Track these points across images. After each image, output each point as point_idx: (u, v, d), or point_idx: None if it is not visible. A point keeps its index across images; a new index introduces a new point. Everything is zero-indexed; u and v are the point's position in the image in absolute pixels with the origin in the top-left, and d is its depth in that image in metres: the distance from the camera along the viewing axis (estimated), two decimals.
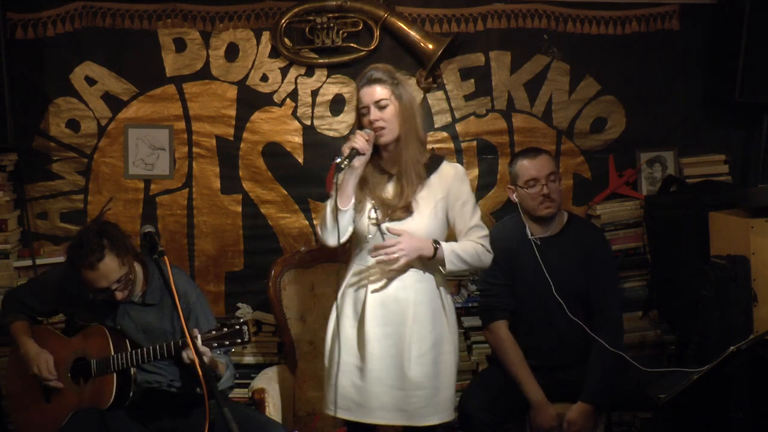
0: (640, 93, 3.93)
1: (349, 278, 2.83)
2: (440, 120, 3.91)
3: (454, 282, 3.95)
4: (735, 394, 2.79)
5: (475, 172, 3.93)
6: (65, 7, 3.80)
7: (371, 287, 2.77)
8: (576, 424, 3.05)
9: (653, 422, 3.32)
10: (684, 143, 3.94)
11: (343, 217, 2.69)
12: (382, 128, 2.72)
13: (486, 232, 2.85)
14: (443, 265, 2.76)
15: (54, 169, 3.87)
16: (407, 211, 2.75)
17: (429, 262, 2.77)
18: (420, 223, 2.75)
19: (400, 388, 2.74)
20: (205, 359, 2.67)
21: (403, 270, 2.76)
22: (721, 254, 3.21)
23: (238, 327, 2.71)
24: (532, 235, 3.22)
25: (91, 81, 3.84)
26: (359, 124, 2.79)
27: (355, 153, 2.66)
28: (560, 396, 3.12)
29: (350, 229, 2.77)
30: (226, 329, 2.72)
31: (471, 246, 2.79)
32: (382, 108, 2.72)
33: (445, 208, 2.81)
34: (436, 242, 2.74)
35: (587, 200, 3.95)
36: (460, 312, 3.80)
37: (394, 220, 2.75)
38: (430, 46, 3.78)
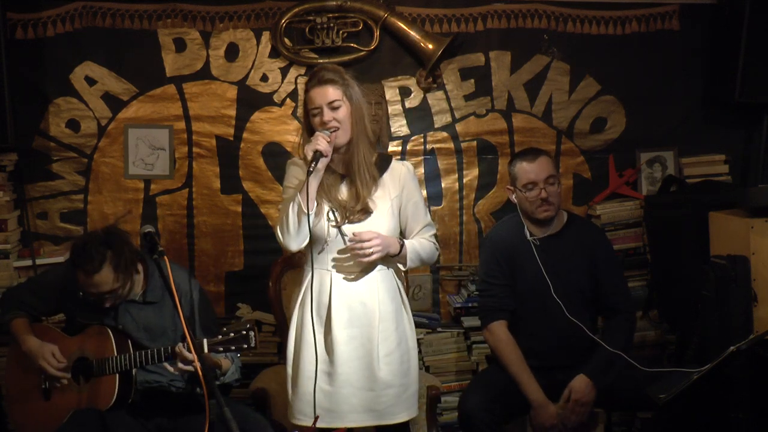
0: (640, 93, 3.93)
1: (308, 283, 2.77)
2: (440, 120, 3.91)
3: (454, 282, 3.95)
4: (735, 394, 2.78)
5: (475, 172, 3.93)
6: (65, 7, 3.80)
7: (335, 290, 2.75)
8: (578, 392, 3.04)
9: (653, 422, 3.32)
10: (684, 143, 3.94)
11: (307, 220, 2.64)
12: (336, 129, 2.68)
13: (435, 230, 2.90)
14: (404, 263, 2.78)
15: (54, 169, 3.87)
16: (365, 212, 2.74)
17: (389, 260, 2.78)
18: (380, 223, 2.75)
19: (370, 389, 2.73)
20: (197, 365, 2.69)
21: (365, 270, 2.76)
22: (721, 254, 3.21)
23: (245, 332, 2.70)
24: (531, 235, 3.21)
25: (91, 81, 3.84)
26: (309, 126, 2.75)
27: (319, 155, 2.61)
28: (560, 397, 3.12)
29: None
30: (232, 334, 2.71)
31: (427, 244, 2.84)
32: (335, 109, 2.69)
33: (399, 205, 2.82)
34: (401, 240, 2.77)
35: (587, 200, 3.95)
36: (460, 312, 3.81)
37: (354, 221, 2.73)
38: (430, 46, 3.78)
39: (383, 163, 2.83)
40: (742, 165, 3.97)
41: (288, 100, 3.88)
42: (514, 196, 3.25)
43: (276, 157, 3.88)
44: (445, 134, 3.91)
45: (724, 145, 3.94)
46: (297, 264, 3.61)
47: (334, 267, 2.76)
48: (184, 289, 2.97)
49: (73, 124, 3.86)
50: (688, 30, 3.91)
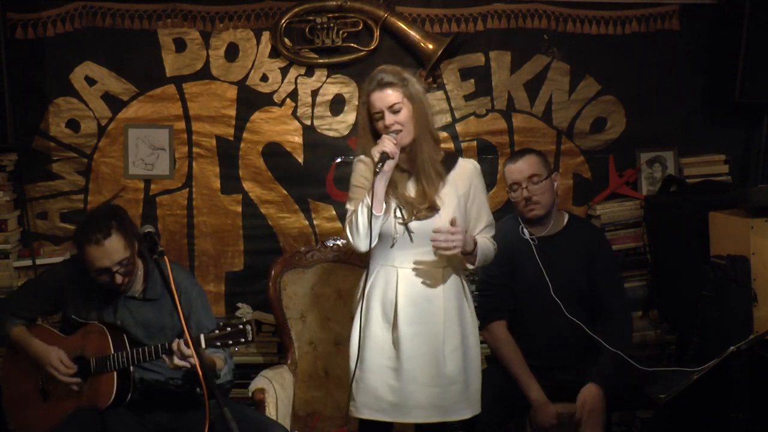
0: (640, 93, 3.93)
1: (374, 279, 2.82)
2: (440, 120, 3.90)
3: None
4: (735, 394, 2.79)
5: None
6: (65, 7, 3.80)
7: (401, 287, 2.78)
8: (590, 402, 3.04)
9: (653, 422, 3.32)
10: (684, 143, 3.93)
11: (377, 222, 2.68)
12: (399, 131, 2.71)
13: (494, 231, 2.91)
14: (473, 262, 2.80)
15: (54, 169, 3.87)
16: (432, 209, 2.77)
17: (458, 257, 2.79)
18: (447, 220, 2.76)
19: (436, 385, 2.76)
20: (194, 361, 2.69)
21: (431, 267, 2.78)
22: (721, 254, 3.21)
23: (241, 327, 2.71)
24: (530, 235, 3.22)
25: (91, 81, 3.84)
26: (372, 129, 2.78)
27: (385, 157, 2.65)
28: (560, 396, 3.12)
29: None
30: (229, 329, 2.72)
31: (491, 244, 2.88)
32: (396, 112, 2.72)
33: (466, 202, 2.84)
34: (474, 238, 2.79)
35: (587, 200, 3.95)
36: None
37: (421, 218, 2.76)
38: (430, 46, 3.78)
39: (450, 161, 2.86)
40: (742, 165, 3.97)
41: (288, 100, 3.88)
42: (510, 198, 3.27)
43: (276, 157, 3.88)
44: (445, 134, 3.91)
45: (724, 145, 3.94)
46: (297, 264, 3.62)
47: (400, 263, 2.79)
48: (183, 287, 2.97)
49: (73, 124, 3.86)
50: (688, 30, 3.91)
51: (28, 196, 3.85)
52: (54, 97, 3.83)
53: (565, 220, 3.30)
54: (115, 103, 3.86)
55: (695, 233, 3.47)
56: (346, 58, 3.81)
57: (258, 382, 3.35)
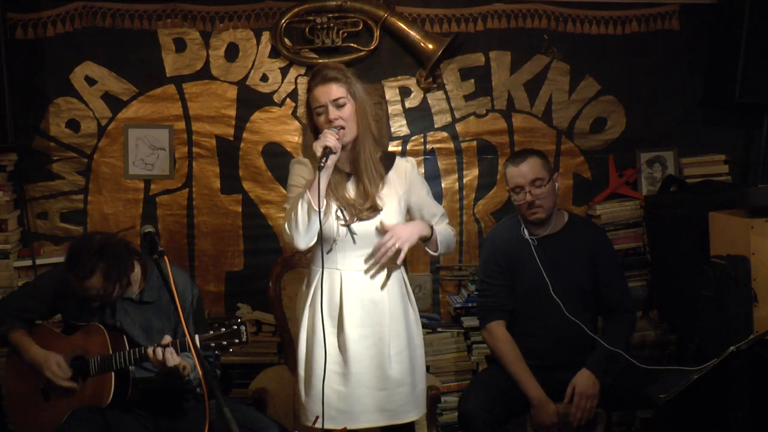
0: (640, 93, 3.93)
1: (317, 282, 2.76)
2: (440, 120, 3.91)
3: (454, 282, 3.95)
4: (735, 394, 2.79)
5: (475, 172, 3.93)
6: (65, 7, 3.80)
7: (346, 289, 2.74)
8: (582, 384, 3.05)
9: (653, 422, 3.32)
10: (684, 143, 3.94)
11: (317, 218, 2.61)
12: (342, 127, 2.66)
13: (447, 219, 2.92)
14: (435, 248, 2.80)
15: (54, 169, 3.87)
16: (374, 210, 2.73)
17: (393, 262, 2.76)
18: (389, 220, 2.74)
19: (383, 388, 2.73)
20: (171, 364, 2.71)
21: (375, 269, 2.75)
22: (721, 254, 3.21)
23: (236, 327, 2.71)
24: (531, 234, 3.22)
25: (91, 81, 3.84)
26: (313, 125, 2.73)
27: (329, 152, 2.59)
28: (560, 396, 3.11)
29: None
30: (224, 329, 2.72)
31: (449, 229, 2.88)
32: (340, 107, 2.67)
33: (407, 201, 2.82)
34: (429, 223, 2.79)
35: (587, 200, 3.95)
36: (460, 312, 3.81)
37: (362, 219, 2.72)
38: (430, 46, 3.78)
39: (387, 160, 2.83)
40: (742, 165, 3.97)
41: (288, 100, 3.88)
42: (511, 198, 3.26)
43: (276, 157, 3.89)
44: (445, 134, 3.91)
45: (724, 145, 3.94)
46: (297, 264, 3.61)
47: (343, 266, 2.75)
48: (181, 289, 2.96)
49: (73, 124, 3.86)
50: (688, 30, 3.91)
51: (28, 196, 3.86)
52: (54, 97, 3.83)
53: (565, 219, 3.30)
54: (115, 103, 3.86)
55: (695, 233, 3.47)
56: (346, 58, 3.81)
57: (258, 382, 3.35)
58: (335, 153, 2.61)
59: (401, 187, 2.80)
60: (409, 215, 2.87)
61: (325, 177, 2.62)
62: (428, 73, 3.83)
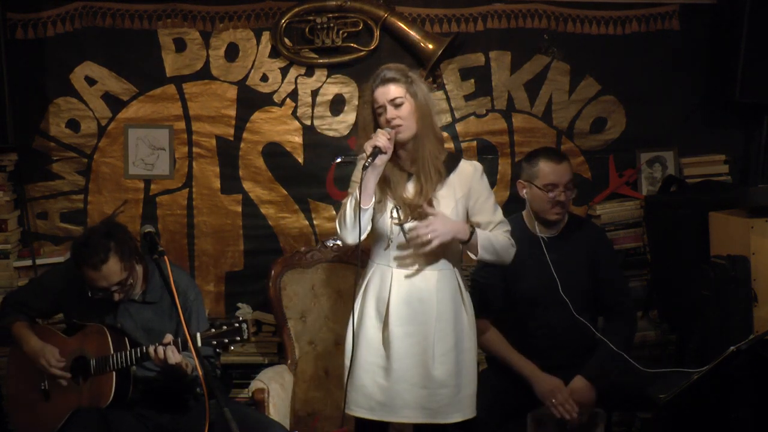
0: (640, 93, 3.93)
1: (370, 278, 2.84)
2: (440, 120, 3.90)
3: None
4: (735, 394, 2.79)
5: None
6: (65, 7, 3.80)
7: (395, 287, 2.78)
8: (576, 392, 3.05)
9: (653, 422, 3.32)
10: (684, 143, 3.94)
11: (364, 215, 2.70)
12: (399, 126, 2.73)
13: (510, 227, 2.89)
14: (475, 252, 2.78)
15: (54, 169, 3.87)
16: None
17: (453, 255, 2.80)
18: None
19: (424, 387, 2.76)
20: (173, 361, 2.72)
21: (426, 268, 2.78)
22: (721, 254, 3.21)
23: (237, 325, 2.73)
24: (539, 233, 3.20)
25: (91, 81, 3.84)
26: (376, 125, 2.79)
27: (377, 151, 2.67)
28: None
29: (368, 228, 2.77)
30: (225, 327, 2.73)
31: (503, 237, 2.84)
32: (397, 106, 2.73)
33: (465, 206, 2.84)
34: (471, 226, 2.77)
35: (587, 200, 3.95)
36: None
37: (416, 219, 2.76)
38: (430, 46, 3.78)
39: (452, 162, 2.86)
40: (742, 165, 3.97)
41: (288, 100, 3.88)
42: (525, 192, 3.21)
43: (276, 157, 3.89)
44: (445, 134, 3.88)
45: (724, 145, 3.94)
46: (297, 264, 3.62)
47: (395, 263, 2.79)
48: (182, 290, 2.97)
49: (73, 124, 3.86)
50: (688, 30, 3.91)
51: (28, 196, 3.86)
52: (54, 97, 3.83)
53: (566, 220, 3.29)
54: (115, 103, 3.86)
55: (695, 233, 3.47)
56: (346, 58, 3.81)
57: (258, 382, 3.35)
58: (385, 153, 2.68)
59: (460, 190, 2.82)
60: (469, 220, 2.88)
61: (373, 176, 2.70)
62: (428, 73, 3.83)
